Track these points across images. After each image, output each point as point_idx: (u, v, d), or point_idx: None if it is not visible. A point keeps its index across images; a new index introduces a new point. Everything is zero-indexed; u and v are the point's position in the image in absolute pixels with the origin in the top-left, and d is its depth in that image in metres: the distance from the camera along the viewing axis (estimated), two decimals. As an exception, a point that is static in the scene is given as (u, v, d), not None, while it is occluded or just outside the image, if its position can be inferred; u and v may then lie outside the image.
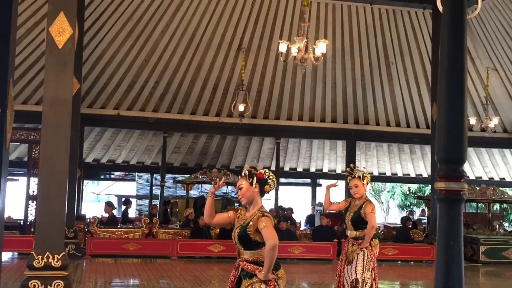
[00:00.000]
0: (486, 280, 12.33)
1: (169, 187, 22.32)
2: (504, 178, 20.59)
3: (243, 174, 4.94)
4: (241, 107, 15.65)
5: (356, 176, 7.42)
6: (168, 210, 17.66)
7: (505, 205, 19.39)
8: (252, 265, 4.78)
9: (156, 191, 20.85)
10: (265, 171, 4.96)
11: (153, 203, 19.50)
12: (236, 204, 16.93)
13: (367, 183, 7.45)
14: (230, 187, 20.26)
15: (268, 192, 4.95)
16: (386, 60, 17.14)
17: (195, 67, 16.52)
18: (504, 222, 19.46)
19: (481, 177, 20.11)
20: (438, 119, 2.70)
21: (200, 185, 18.12)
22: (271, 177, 4.94)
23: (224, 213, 5.07)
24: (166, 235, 14.01)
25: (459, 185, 2.65)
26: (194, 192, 19.14)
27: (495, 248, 14.52)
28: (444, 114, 2.71)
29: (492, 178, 20.41)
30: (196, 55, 16.30)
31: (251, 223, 4.77)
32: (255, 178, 4.87)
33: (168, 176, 19.31)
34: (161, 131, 17.53)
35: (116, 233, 13.88)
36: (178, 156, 19.28)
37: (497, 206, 18.66)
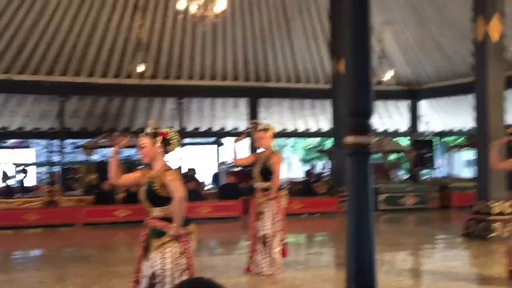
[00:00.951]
0: (386, 227, 12.95)
1: (69, 153, 21.56)
2: (398, 129, 21.52)
3: (145, 133, 4.88)
4: (140, 67, 15.26)
5: (261, 129, 7.55)
6: (70, 176, 17.11)
7: (400, 155, 20.35)
8: (161, 222, 4.77)
9: (56, 158, 20.09)
10: (168, 131, 4.94)
11: (53, 170, 18.80)
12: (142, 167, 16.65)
13: (272, 135, 7.56)
14: (133, 150, 19.85)
15: (171, 152, 4.93)
16: (285, 16, 17.22)
17: (89, 26, 15.84)
18: (399, 171, 20.44)
19: (377, 129, 20.90)
20: (345, 74, 2.71)
21: (101, 149, 17.63)
22: (175, 136, 4.93)
23: (131, 174, 5.05)
24: (68, 203, 13.58)
25: (367, 139, 2.69)
26: (96, 157, 18.61)
27: (393, 196, 15.27)
28: (351, 69, 2.72)
29: (388, 129, 21.28)
30: (90, 15, 15.61)
31: (156, 179, 4.76)
32: (158, 137, 4.83)
33: (67, 141, 18.63)
34: (57, 95, 16.79)
35: (14, 203, 13.29)
36: (77, 120, 18.58)
37: (393, 156, 19.54)
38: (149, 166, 4.97)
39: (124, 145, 4.92)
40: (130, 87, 16.83)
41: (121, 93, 17.68)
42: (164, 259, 4.69)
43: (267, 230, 7.35)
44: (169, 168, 4.85)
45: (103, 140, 15.51)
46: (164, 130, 4.93)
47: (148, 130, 4.88)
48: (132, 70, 15.45)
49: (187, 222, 4.86)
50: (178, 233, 4.70)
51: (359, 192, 2.65)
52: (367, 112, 2.66)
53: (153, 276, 4.69)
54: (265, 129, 7.57)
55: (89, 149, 15.66)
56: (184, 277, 4.71)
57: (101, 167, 16.52)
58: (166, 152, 4.90)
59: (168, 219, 4.78)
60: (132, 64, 15.43)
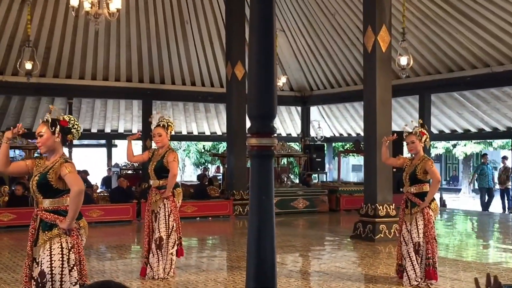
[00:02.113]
0: (277, 230, 13.07)
1: None
2: (290, 134, 22.05)
3: (45, 120, 4.66)
4: (28, 65, 14.53)
5: (161, 125, 7.44)
6: None
7: (291, 159, 20.83)
8: (52, 214, 4.59)
9: None
10: (69, 119, 4.78)
11: None
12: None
13: (171, 132, 7.48)
14: (18, 151, 18.91)
15: (70, 142, 4.79)
16: (181, 18, 17.12)
17: (-28, 20, 14.90)
18: (291, 175, 20.91)
19: (270, 134, 21.26)
20: (248, 77, 2.73)
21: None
22: (75, 126, 4.79)
23: (21, 162, 4.89)
24: None
25: (269, 141, 2.72)
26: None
27: (285, 199, 15.56)
28: (254, 72, 2.74)
29: (280, 134, 21.73)
30: (-27, 7, 14.70)
31: (52, 169, 4.58)
32: (58, 126, 4.65)
33: None
34: None
35: None
36: (-45, 118, 17.43)
37: (284, 160, 19.97)
38: (43, 154, 4.80)
39: (19, 132, 4.69)
40: (16, 85, 15.98)
41: (6, 91, 16.75)
42: (52, 256, 4.53)
43: (162, 232, 7.24)
44: (67, 160, 4.67)
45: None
46: (64, 118, 4.76)
47: (47, 117, 4.68)
48: (18, 68, 14.67)
49: (79, 216, 4.71)
50: (70, 227, 4.55)
51: (261, 193, 2.68)
52: (271, 115, 2.70)
53: (42, 274, 4.51)
54: (165, 126, 7.46)
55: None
56: (74, 274, 4.56)
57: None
58: (65, 141, 4.75)
59: (58, 212, 4.61)
60: (19, 61, 14.65)
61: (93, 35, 16.19)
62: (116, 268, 8.29)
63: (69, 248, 4.59)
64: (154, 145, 7.71)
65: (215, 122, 21.03)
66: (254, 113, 2.70)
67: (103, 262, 9.11)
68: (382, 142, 7.55)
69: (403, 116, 18.48)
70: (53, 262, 4.52)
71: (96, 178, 18.63)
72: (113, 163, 20.84)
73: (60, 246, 4.56)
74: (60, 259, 4.54)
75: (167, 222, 7.27)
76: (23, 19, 15.23)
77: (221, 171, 19.43)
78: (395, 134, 7.42)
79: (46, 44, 16.07)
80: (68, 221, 4.53)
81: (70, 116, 4.87)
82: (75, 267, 4.59)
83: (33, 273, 4.60)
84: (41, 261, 4.55)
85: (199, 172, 25.08)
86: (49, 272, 4.51)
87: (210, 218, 14.40)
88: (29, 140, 13.36)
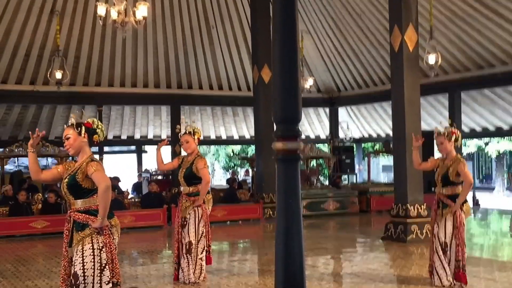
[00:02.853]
0: (308, 232, 13.13)
1: (-19, 163, 20.57)
2: (319, 136, 21.97)
3: (69, 124, 4.79)
4: (58, 74, 14.77)
5: (187, 132, 7.49)
6: (-18, 188, 16.30)
7: (321, 161, 20.75)
8: (84, 215, 4.68)
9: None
10: (93, 121, 4.89)
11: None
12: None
13: (198, 139, 7.53)
14: (50, 159, 19.20)
15: (96, 142, 4.87)
16: (207, 24, 17.22)
17: (2, 33, 15.19)
18: (320, 177, 20.83)
19: (299, 136, 21.21)
20: (273, 80, 2.74)
21: (16, 158, 16.94)
22: (99, 126, 4.90)
23: (52, 169, 4.94)
24: (-19, 215, 12.92)
25: (295, 145, 2.71)
26: (9, 167, 17.86)
27: (315, 201, 15.52)
28: (279, 75, 2.74)
29: (309, 136, 21.68)
30: (3, 19, 14.98)
31: (79, 170, 4.68)
32: (83, 127, 4.76)
33: (-21, 151, 17.77)
34: (-33, 103, 16.03)
35: None
36: (-11, 129, 17.77)
37: (314, 162, 19.89)
38: (73, 158, 4.92)
39: (39, 137, 4.78)
40: (47, 94, 16.26)
41: (37, 101, 17.06)
42: (84, 257, 4.60)
43: (191, 237, 7.28)
44: (93, 159, 4.76)
45: (18, 150, 14.87)
46: (88, 120, 4.88)
47: (72, 121, 4.80)
48: (49, 77, 14.92)
49: (110, 215, 4.78)
50: (102, 225, 4.62)
51: (288, 197, 2.67)
52: (296, 118, 2.70)
53: (75, 276, 4.59)
54: (191, 132, 7.51)
55: (2, 159, 14.97)
56: (106, 273, 4.62)
57: (16, 177, 15.89)
58: (91, 142, 4.84)
59: (89, 212, 4.69)
60: (50, 70, 14.90)
61: (120, 43, 16.40)
62: (148, 273, 8.36)
63: (100, 247, 4.65)
64: (183, 152, 7.74)
65: (243, 125, 21.07)
66: (279, 117, 2.70)
67: (135, 267, 9.19)
68: (412, 149, 7.32)
69: (433, 115, 18.27)
70: (85, 263, 4.59)
71: (126, 184, 18.82)
72: (143, 169, 21.03)
73: (91, 247, 4.63)
74: (92, 259, 4.61)
75: (196, 227, 7.31)
76: (52, 29, 15.50)
77: (251, 174, 19.47)
78: (423, 138, 7.24)
79: (75, 53, 16.32)
80: (100, 220, 4.61)
81: (93, 119, 4.96)
82: (107, 266, 4.65)
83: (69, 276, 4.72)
84: (74, 262, 4.64)
85: (228, 176, 25.14)
86: (82, 274, 4.58)
87: (240, 221, 14.42)
88: (61, 148, 13.57)
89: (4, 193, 13.93)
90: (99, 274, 4.61)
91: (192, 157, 7.45)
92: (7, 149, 14.99)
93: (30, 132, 4.84)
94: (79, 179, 4.66)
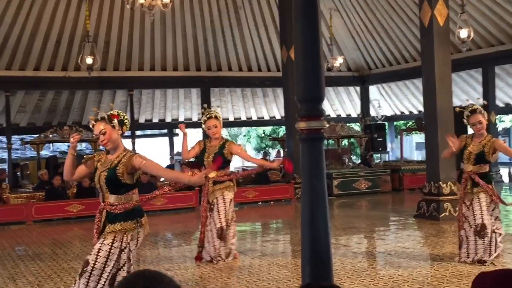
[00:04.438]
0: (340, 212, 13.13)
1: (17, 149, 21.04)
2: (350, 115, 21.80)
3: (100, 118, 4.76)
4: (89, 60, 14.90)
5: (214, 116, 7.46)
6: (18, 173, 16.68)
7: (352, 140, 20.62)
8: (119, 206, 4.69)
9: (3, 154, 19.59)
10: (117, 112, 4.87)
11: (0, 167, 18.30)
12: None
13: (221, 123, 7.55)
14: (84, 144, 19.52)
15: (124, 133, 4.86)
16: (234, 4, 17.15)
17: (34, 19, 15.39)
18: (352, 156, 20.71)
19: (329, 115, 21.11)
20: (295, 60, 2.71)
21: (51, 144, 17.25)
22: (126, 116, 4.91)
23: (80, 168, 4.88)
24: (18, 200, 13.24)
25: (319, 123, 2.69)
26: (45, 152, 18.22)
27: (346, 180, 15.46)
28: (301, 55, 2.72)
29: (340, 115, 21.53)
30: (33, 7, 15.16)
31: (121, 164, 4.65)
32: (115, 120, 4.75)
33: (15, 137, 18.18)
34: (2, 90, 16.30)
35: (-38, 203, 12.87)
36: (24, 115, 18.08)
37: (345, 141, 19.79)
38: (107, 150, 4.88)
39: (77, 140, 4.78)
40: (78, 80, 16.47)
41: (70, 86, 17.30)
42: (100, 251, 4.62)
43: (223, 223, 7.35)
44: (135, 152, 4.80)
45: (53, 135, 15.15)
46: (115, 112, 4.86)
47: (103, 115, 4.78)
48: (80, 63, 15.09)
49: (141, 213, 4.81)
50: (201, 179, 5.01)
51: (312, 176, 2.66)
52: (318, 98, 2.67)
53: (86, 262, 4.64)
54: (217, 117, 7.51)
55: (37, 144, 15.27)
56: (123, 273, 4.63)
57: (51, 162, 16.19)
58: (122, 134, 4.83)
59: (127, 212, 4.73)
60: (80, 56, 15.07)
61: (149, 27, 16.47)
62: (182, 255, 8.45)
63: (122, 248, 4.67)
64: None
65: (273, 106, 21.02)
66: (302, 96, 2.68)
67: (169, 248, 9.33)
68: (445, 153, 7.25)
69: (467, 91, 17.94)
70: (98, 257, 4.60)
71: (159, 167, 18.96)
72: (175, 152, 21.19)
73: (110, 243, 4.64)
74: (106, 255, 4.62)
75: (227, 212, 7.38)
76: (81, 15, 15.63)
77: (282, 155, 19.45)
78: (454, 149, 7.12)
79: (105, 38, 16.46)
80: (197, 177, 5.00)
81: (117, 110, 4.93)
82: (124, 267, 4.68)
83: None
84: (92, 251, 4.69)
85: (260, 156, 25.16)
86: (92, 264, 4.59)
87: (271, 202, 14.46)
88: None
89: (40, 178, 14.24)
90: (108, 272, 4.60)
91: (218, 142, 7.43)
92: (42, 135, 15.28)
93: (70, 137, 4.81)
94: (120, 173, 4.63)
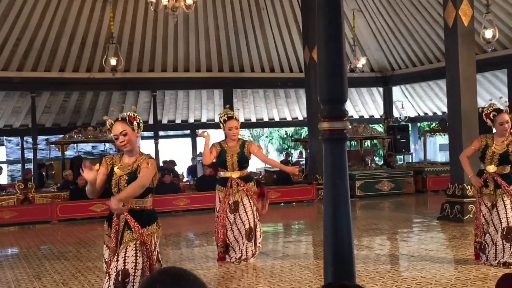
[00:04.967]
0: (362, 213, 13.06)
1: (42, 149, 21.29)
2: (373, 116, 21.68)
3: (120, 118, 4.69)
4: (113, 61, 15.06)
5: (234, 118, 7.51)
6: (44, 173, 16.90)
7: (375, 141, 20.50)
8: (133, 221, 4.60)
9: (29, 155, 19.83)
10: (133, 114, 4.75)
11: (26, 167, 18.55)
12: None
13: None
14: (108, 145, 19.68)
15: (139, 135, 4.81)
16: (257, 5, 17.18)
17: (59, 21, 15.59)
18: (375, 157, 20.60)
19: (352, 116, 21.01)
20: (318, 60, 2.72)
21: (75, 144, 17.44)
22: (140, 119, 4.80)
23: (99, 175, 4.69)
24: (43, 199, 13.42)
25: (342, 124, 2.69)
26: (70, 153, 18.40)
27: (369, 182, 15.38)
28: (324, 55, 2.72)
29: (362, 116, 21.42)
30: (59, 9, 15.37)
31: (140, 167, 4.61)
32: (135, 123, 4.66)
33: (40, 137, 18.41)
34: (28, 91, 16.55)
35: (-12, 202, 13.09)
36: (49, 116, 18.33)
37: (368, 143, 19.68)
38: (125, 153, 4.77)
39: (93, 176, 4.56)
40: (102, 81, 16.65)
41: (94, 87, 17.49)
42: (138, 257, 4.55)
43: (251, 223, 7.41)
44: (151, 157, 4.74)
45: (77, 136, 15.32)
46: (131, 114, 4.75)
47: (124, 115, 4.72)
48: (104, 64, 15.25)
49: (154, 219, 4.77)
50: (115, 206, 4.46)
51: (335, 177, 2.67)
52: (341, 98, 2.68)
53: (125, 273, 4.49)
54: (237, 119, 7.55)
55: (62, 145, 15.46)
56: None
57: (75, 163, 16.35)
58: (138, 136, 4.75)
59: (145, 212, 4.73)
60: (105, 58, 15.23)
61: (172, 28, 16.58)
62: (204, 255, 8.49)
63: (152, 250, 4.64)
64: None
65: (295, 107, 21.00)
66: (325, 97, 2.69)
67: (191, 248, 9.37)
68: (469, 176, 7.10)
69: (492, 92, 17.72)
70: (137, 264, 4.54)
71: (182, 167, 19.09)
72: (197, 152, 21.26)
73: (143, 247, 4.60)
74: (141, 261, 4.58)
75: (254, 212, 7.43)
76: (106, 17, 15.79)
77: (304, 156, 19.42)
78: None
79: (129, 40, 16.61)
80: (118, 198, 4.47)
81: (132, 112, 4.80)
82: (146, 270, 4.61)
83: (113, 269, 4.57)
84: (125, 259, 4.53)
85: (282, 157, 25.13)
86: (133, 273, 4.51)
87: (294, 203, 14.45)
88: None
89: (65, 178, 14.41)
90: (139, 276, 4.53)
91: (236, 142, 7.45)
92: (67, 136, 15.47)
93: (84, 164, 4.61)
94: None
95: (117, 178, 4.68)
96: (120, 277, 4.47)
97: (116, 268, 4.53)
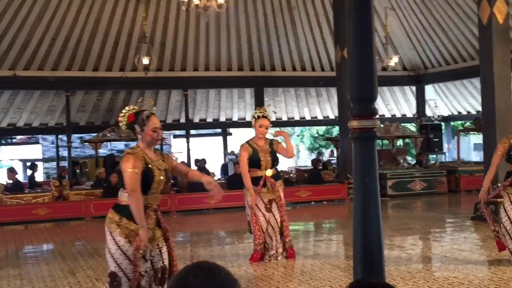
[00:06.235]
0: (394, 212, 12.96)
1: (77, 147, 21.67)
2: (405, 115, 21.46)
3: (155, 113, 4.84)
4: (145, 60, 15.24)
5: (266, 116, 7.54)
6: (78, 171, 17.19)
7: (407, 140, 20.29)
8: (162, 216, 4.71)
9: (63, 153, 20.20)
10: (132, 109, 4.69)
11: (61, 165, 18.89)
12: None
13: None
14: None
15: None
16: (288, 4, 17.16)
17: (93, 21, 15.84)
18: (407, 156, 20.39)
19: (384, 115, 20.84)
20: (348, 59, 2.72)
21: (108, 143, 17.68)
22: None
23: (137, 178, 4.46)
24: (77, 197, 13.65)
25: (372, 122, 2.69)
26: (103, 151, 18.69)
27: (401, 181, 15.24)
28: (354, 54, 2.73)
29: (395, 115, 21.22)
30: (93, 9, 15.61)
31: (167, 165, 4.66)
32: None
33: (74, 136, 18.73)
34: (62, 90, 16.85)
35: (24, 198, 13.37)
36: (83, 114, 18.63)
37: (400, 142, 19.50)
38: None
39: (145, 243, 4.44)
40: (135, 80, 16.85)
41: (127, 86, 17.72)
42: (171, 252, 4.67)
43: (285, 219, 7.54)
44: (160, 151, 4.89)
45: (110, 134, 15.54)
46: (130, 112, 4.77)
47: (154, 110, 4.79)
48: (137, 63, 15.43)
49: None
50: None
51: (364, 175, 2.66)
52: (371, 97, 2.67)
53: (165, 269, 4.58)
54: (270, 118, 7.60)
55: (96, 143, 15.70)
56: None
57: (109, 161, 16.60)
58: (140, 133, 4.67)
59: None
60: (137, 57, 15.41)
61: (204, 28, 16.67)
62: (235, 252, 8.54)
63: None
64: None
65: (327, 106, 20.93)
66: (355, 95, 2.69)
67: (222, 246, 9.43)
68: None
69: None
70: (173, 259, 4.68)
71: (213, 166, 19.20)
72: (229, 151, 21.36)
73: (164, 245, 4.68)
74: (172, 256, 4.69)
75: (283, 208, 7.56)
76: (138, 17, 15.98)
77: (335, 155, 19.35)
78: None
79: (161, 39, 16.77)
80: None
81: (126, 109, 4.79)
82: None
83: (143, 267, 4.53)
84: (162, 255, 4.61)
85: (313, 157, 25.09)
86: (163, 271, 4.58)
87: (324, 202, 14.41)
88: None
89: (98, 175, 14.63)
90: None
91: (264, 141, 7.49)
92: (100, 134, 15.70)
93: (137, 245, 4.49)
94: (169, 174, 4.68)
95: (158, 176, 4.51)
96: (161, 274, 4.54)
97: (154, 265, 4.56)
